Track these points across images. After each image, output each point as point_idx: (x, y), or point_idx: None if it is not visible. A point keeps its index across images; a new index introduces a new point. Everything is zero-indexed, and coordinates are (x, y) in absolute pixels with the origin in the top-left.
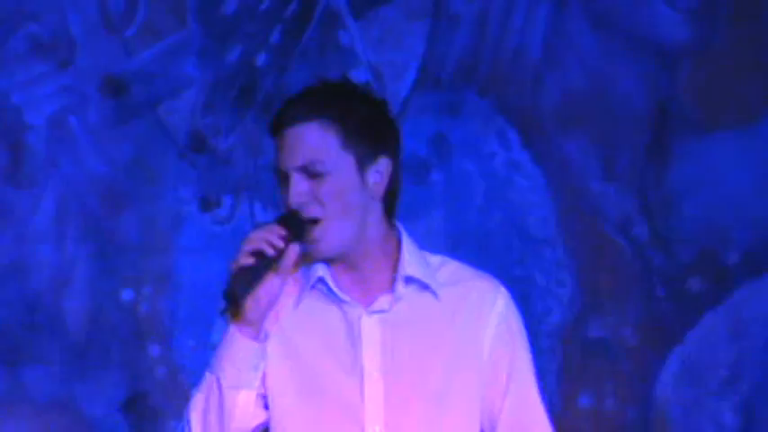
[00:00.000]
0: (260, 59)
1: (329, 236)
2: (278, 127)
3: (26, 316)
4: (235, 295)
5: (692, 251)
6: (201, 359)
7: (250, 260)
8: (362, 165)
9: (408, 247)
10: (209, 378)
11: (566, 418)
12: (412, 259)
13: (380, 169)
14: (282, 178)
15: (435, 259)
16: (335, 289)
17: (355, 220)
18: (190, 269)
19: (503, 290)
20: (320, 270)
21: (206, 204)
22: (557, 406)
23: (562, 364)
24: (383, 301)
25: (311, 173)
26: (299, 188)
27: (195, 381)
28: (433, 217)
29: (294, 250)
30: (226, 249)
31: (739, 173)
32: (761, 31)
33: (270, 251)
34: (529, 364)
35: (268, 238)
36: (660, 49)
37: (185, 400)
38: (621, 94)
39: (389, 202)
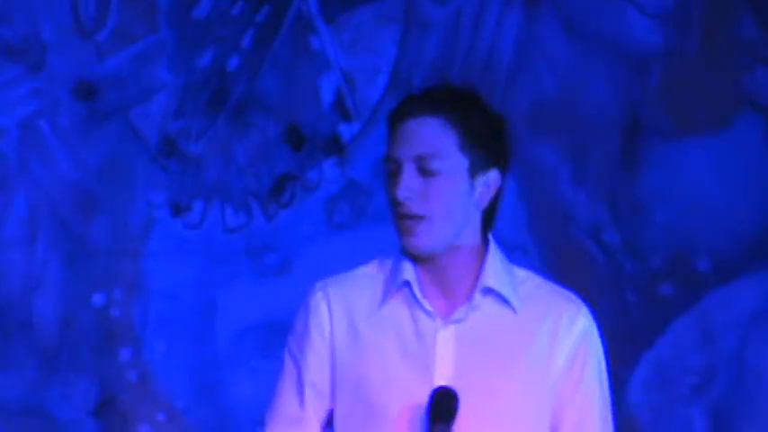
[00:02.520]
0: (232, 64)
1: (428, 234)
2: (397, 118)
3: None
4: None
5: (663, 257)
6: (172, 363)
7: None
8: (474, 171)
9: (494, 258)
10: None
11: None
12: (495, 271)
13: (489, 181)
14: (392, 173)
15: (522, 273)
16: (419, 295)
17: (454, 225)
18: (161, 274)
19: (585, 311)
20: (407, 273)
21: (177, 209)
22: None
23: None
24: (461, 311)
25: (424, 169)
26: (409, 183)
27: (165, 385)
28: None
29: None
30: (196, 254)
31: (710, 179)
32: (731, 36)
33: None
34: (598, 393)
35: None
36: (631, 54)
37: (156, 404)
38: (592, 99)
39: (489, 216)
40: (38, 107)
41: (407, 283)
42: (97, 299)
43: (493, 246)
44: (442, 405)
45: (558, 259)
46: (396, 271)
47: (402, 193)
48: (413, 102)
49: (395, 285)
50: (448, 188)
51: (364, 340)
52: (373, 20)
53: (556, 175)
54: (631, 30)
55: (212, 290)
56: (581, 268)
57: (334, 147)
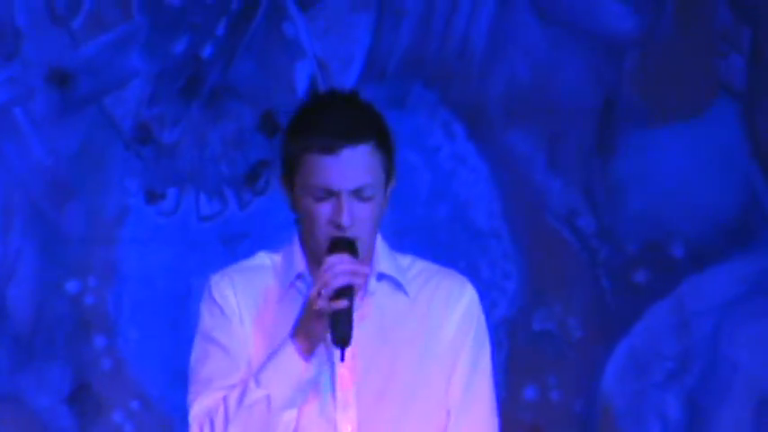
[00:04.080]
0: (206, 51)
1: (361, 254)
2: (333, 145)
3: None
4: (345, 340)
5: (638, 243)
6: (146, 351)
7: (344, 303)
8: (387, 185)
9: (381, 247)
10: (255, 393)
11: (511, 411)
12: (384, 258)
13: (391, 187)
14: (322, 198)
15: (405, 260)
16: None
17: (375, 236)
18: (135, 261)
19: (469, 286)
20: (299, 265)
21: (151, 196)
22: (502, 398)
23: (508, 357)
24: (356, 299)
25: (361, 196)
26: (353, 212)
27: (140, 372)
28: None
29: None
30: (171, 241)
31: (684, 165)
32: (705, 22)
33: (359, 281)
34: (480, 361)
35: (353, 268)
36: (606, 41)
37: (130, 391)
38: (567, 86)
39: None
40: (12, 95)
41: (300, 276)
42: (71, 286)
43: (379, 236)
44: (342, 242)
45: (533, 246)
46: (288, 263)
47: (347, 223)
48: (343, 126)
49: (289, 278)
50: (377, 210)
51: (267, 332)
52: (347, 7)
53: (530, 161)
54: (605, 15)
55: (187, 277)
56: (556, 255)
57: None
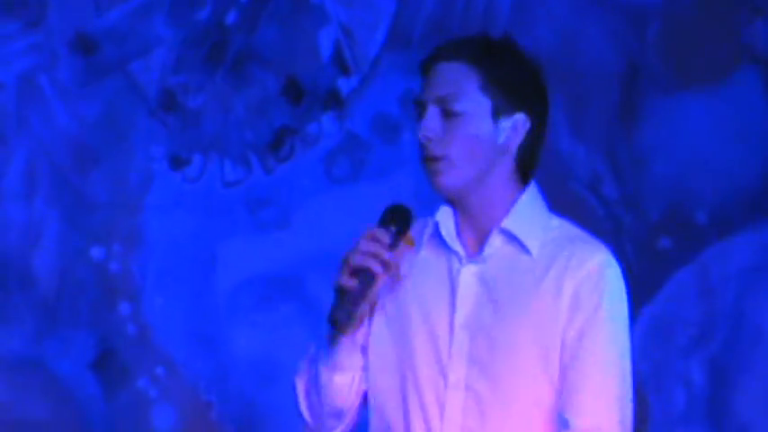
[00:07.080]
0: (230, 18)
1: (449, 174)
2: (426, 64)
3: None
4: (337, 323)
5: (662, 210)
6: (171, 317)
7: (353, 282)
8: (498, 114)
9: (524, 203)
10: (312, 353)
11: None
12: (520, 215)
13: (517, 125)
14: (419, 116)
15: (557, 222)
16: (445, 236)
17: (477, 166)
18: (159, 227)
19: (603, 256)
20: (439, 215)
21: (176, 162)
22: None
23: None
24: (484, 252)
25: (447, 111)
26: (431, 122)
27: (164, 338)
28: (402, 175)
29: (404, 255)
30: (195, 207)
31: (708, 132)
32: None
33: (378, 269)
34: (606, 343)
35: (375, 251)
36: (630, 6)
37: (155, 357)
38: (591, 52)
39: (525, 163)
40: (36, 62)
41: (437, 224)
42: (96, 253)
43: (529, 192)
44: (397, 213)
45: (557, 212)
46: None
47: (422, 133)
48: (441, 48)
49: (429, 227)
50: (468, 129)
51: (406, 284)
52: None
53: (554, 128)
54: None
55: (211, 243)
56: (580, 222)
57: (333, 100)
